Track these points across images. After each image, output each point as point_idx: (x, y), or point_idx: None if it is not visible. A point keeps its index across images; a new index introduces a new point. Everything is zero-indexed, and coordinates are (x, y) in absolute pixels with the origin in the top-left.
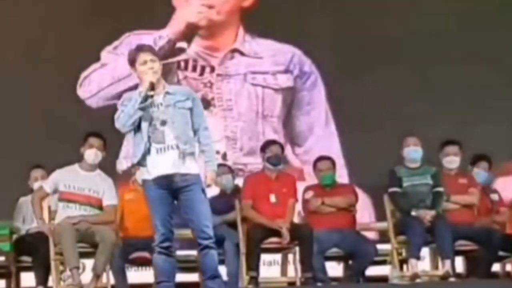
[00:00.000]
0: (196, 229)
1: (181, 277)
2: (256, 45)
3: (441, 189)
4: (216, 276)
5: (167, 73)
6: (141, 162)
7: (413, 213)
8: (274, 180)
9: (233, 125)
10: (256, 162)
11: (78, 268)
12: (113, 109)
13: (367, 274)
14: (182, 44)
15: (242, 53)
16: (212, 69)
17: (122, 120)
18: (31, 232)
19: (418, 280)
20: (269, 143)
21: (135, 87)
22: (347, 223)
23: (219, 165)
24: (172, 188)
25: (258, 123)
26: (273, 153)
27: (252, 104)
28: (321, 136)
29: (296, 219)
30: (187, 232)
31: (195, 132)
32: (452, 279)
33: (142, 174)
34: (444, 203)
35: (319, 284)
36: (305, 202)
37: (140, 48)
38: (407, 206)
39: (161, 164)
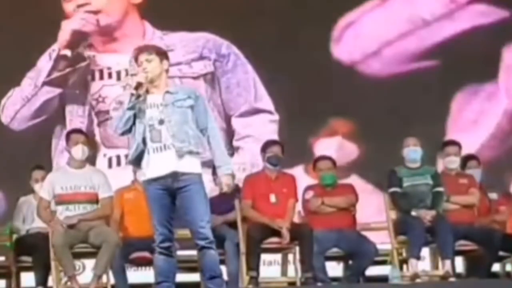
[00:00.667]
0: (193, 229)
1: (181, 277)
2: (167, 39)
3: (441, 189)
4: (215, 276)
5: (78, 85)
6: (134, 162)
7: (413, 213)
8: (274, 180)
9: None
10: None
11: (75, 275)
12: (33, 129)
13: (367, 274)
14: (65, 52)
15: None
16: (126, 71)
17: (114, 123)
18: (31, 232)
19: (418, 280)
20: (269, 144)
21: (46, 103)
22: (347, 223)
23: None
24: (170, 188)
25: None
26: (273, 153)
27: None
28: (250, 113)
29: (296, 219)
30: (187, 232)
31: (202, 131)
32: (452, 279)
33: (140, 175)
34: (444, 204)
35: (319, 284)
36: (305, 202)
37: (138, 50)
38: (407, 206)
39: (158, 163)
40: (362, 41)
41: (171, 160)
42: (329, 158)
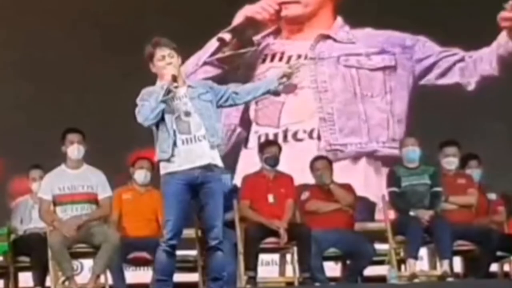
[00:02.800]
0: (205, 227)
1: (180, 277)
2: (353, 33)
3: (439, 189)
4: (219, 278)
5: (243, 67)
6: (170, 158)
7: (412, 213)
8: (272, 180)
9: (329, 106)
10: (357, 142)
11: (73, 275)
12: None
13: (365, 274)
14: (224, 35)
15: (335, 40)
16: (299, 57)
17: (145, 113)
18: (29, 232)
19: (416, 280)
20: (267, 144)
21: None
22: (345, 223)
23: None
24: (193, 183)
25: (356, 103)
26: (271, 154)
27: (347, 85)
28: None
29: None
30: (186, 232)
31: (229, 98)
32: (450, 279)
33: (164, 168)
34: (442, 204)
35: (317, 284)
36: (302, 202)
37: (157, 43)
38: (405, 206)
39: (188, 155)
40: None
41: (204, 151)
42: (325, 158)
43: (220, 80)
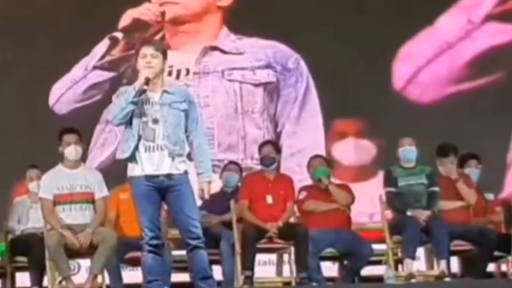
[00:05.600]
0: (184, 229)
1: (177, 277)
2: (240, 43)
3: (436, 188)
4: (208, 276)
5: (130, 73)
6: (129, 159)
7: (409, 213)
8: (271, 181)
9: (209, 120)
10: (233, 159)
11: (70, 275)
12: (77, 112)
13: (363, 274)
14: (116, 34)
15: (223, 51)
16: (188, 71)
17: (114, 112)
18: (26, 232)
19: (413, 280)
20: (261, 145)
21: (93, 86)
22: (342, 223)
23: (231, 163)
24: (161, 187)
25: (237, 119)
26: (264, 154)
27: (229, 100)
28: (300, 131)
29: (292, 219)
30: None
31: (188, 136)
32: (447, 279)
33: (129, 171)
34: (440, 203)
35: (314, 284)
36: (299, 202)
37: (145, 41)
38: (402, 206)
39: (149, 162)
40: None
41: (162, 160)
42: (321, 157)
43: (114, 82)
